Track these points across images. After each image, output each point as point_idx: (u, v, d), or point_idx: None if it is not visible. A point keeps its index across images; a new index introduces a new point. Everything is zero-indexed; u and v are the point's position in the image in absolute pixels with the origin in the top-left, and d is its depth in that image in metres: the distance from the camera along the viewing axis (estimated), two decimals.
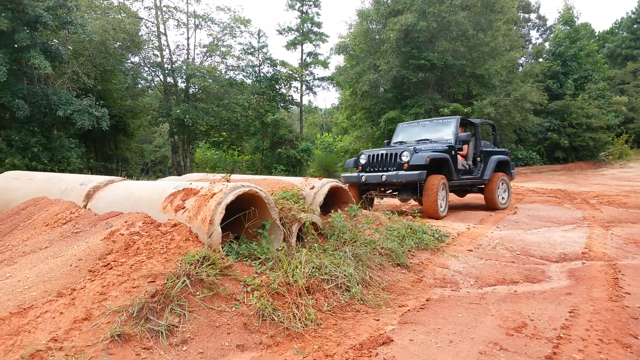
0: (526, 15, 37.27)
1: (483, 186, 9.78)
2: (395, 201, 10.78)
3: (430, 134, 9.54)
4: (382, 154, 8.65)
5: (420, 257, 5.00)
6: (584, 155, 29.02)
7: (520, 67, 30.19)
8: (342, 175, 9.18)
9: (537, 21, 38.59)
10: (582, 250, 5.52)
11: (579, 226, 7.28)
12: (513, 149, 26.78)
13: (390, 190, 8.91)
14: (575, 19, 32.69)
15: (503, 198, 9.77)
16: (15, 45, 14.80)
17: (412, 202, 10.46)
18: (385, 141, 10.26)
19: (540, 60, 31.19)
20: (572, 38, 30.57)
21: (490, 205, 9.55)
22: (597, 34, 47.62)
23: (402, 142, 9.75)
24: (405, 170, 8.12)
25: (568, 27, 31.63)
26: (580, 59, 30.73)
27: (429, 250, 5.27)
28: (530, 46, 35.54)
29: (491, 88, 23.17)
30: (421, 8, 21.90)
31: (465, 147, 9.56)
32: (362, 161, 8.95)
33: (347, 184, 8.54)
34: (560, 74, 29.93)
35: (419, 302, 3.63)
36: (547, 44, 34.40)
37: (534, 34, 38.82)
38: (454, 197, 11.23)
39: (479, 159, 9.64)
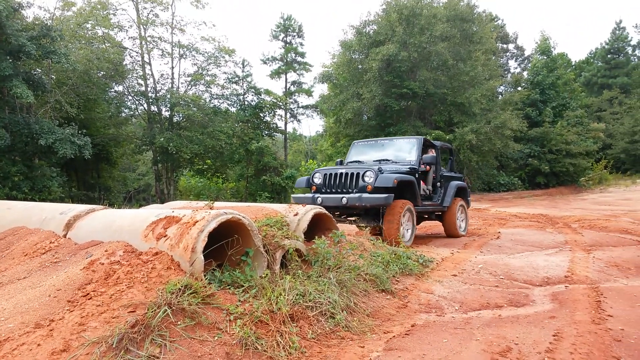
0: (504, 46, 38.37)
1: (441, 213, 9.16)
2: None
3: (388, 154, 8.65)
4: (340, 174, 7.57)
5: (405, 282, 4.99)
6: (565, 180, 29.54)
7: (500, 96, 30.92)
8: (292, 196, 8.04)
9: (515, 51, 39.75)
10: (564, 273, 5.56)
11: (562, 250, 7.35)
12: (495, 174, 27.13)
13: (346, 216, 7.97)
14: (552, 49, 33.75)
15: (461, 226, 9.31)
16: None
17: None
18: (338, 160, 9.57)
19: (519, 88, 31.98)
20: (549, 67, 31.46)
21: (450, 234, 9.04)
22: (573, 63, 49.12)
23: (359, 161, 8.82)
24: (369, 192, 7.11)
25: (545, 57, 32.57)
26: (557, 87, 31.58)
27: (414, 276, 5.27)
28: (509, 75, 36.47)
29: (472, 116, 23.65)
30: (402, 39, 22.44)
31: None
32: (317, 181, 7.79)
33: None
34: (539, 102, 30.69)
35: (404, 328, 3.61)
36: (525, 73, 35.35)
37: (512, 63, 39.99)
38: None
39: (439, 184, 8.97)
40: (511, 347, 3.15)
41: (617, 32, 50.04)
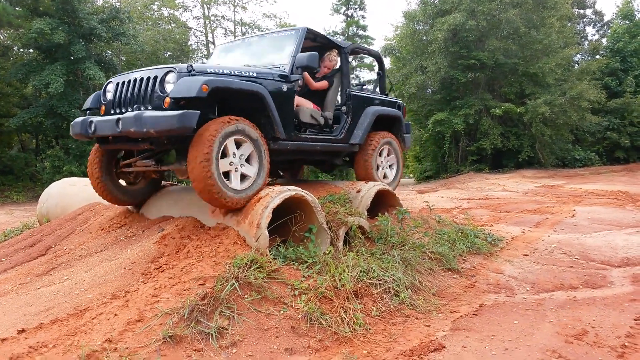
0: (581, 11, 35.81)
1: (352, 155, 5.81)
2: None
3: (259, 58, 5.26)
4: (135, 80, 4.08)
5: (472, 261, 4.85)
6: None
7: (576, 65, 29.05)
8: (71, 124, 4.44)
9: (593, 17, 37.02)
10: None
11: None
12: (570, 149, 25.68)
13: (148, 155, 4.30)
14: (636, 13, 31.14)
15: (386, 175, 5.99)
16: (72, 57, 15.58)
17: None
18: None
19: (598, 57, 29.87)
20: (632, 33, 29.09)
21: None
22: None
23: None
24: (164, 109, 3.71)
25: (627, 22, 30.15)
26: None
27: (482, 255, 5.10)
28: (586, 43, 34.09)
29: (545, 87, 22.40)
30: (470, 7, 21.46)
31: (322, 83, 5.45)
32: (108, 96, 4.36)
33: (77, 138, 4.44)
34: (619, 70, 28.54)
35: (472, 308, 3.51)
36: (604, 40, 32.92)
37: (589, 30, 37.22)
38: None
39: (344, 108, 5.58)
40: (587, 330, 2.99)
41: None
